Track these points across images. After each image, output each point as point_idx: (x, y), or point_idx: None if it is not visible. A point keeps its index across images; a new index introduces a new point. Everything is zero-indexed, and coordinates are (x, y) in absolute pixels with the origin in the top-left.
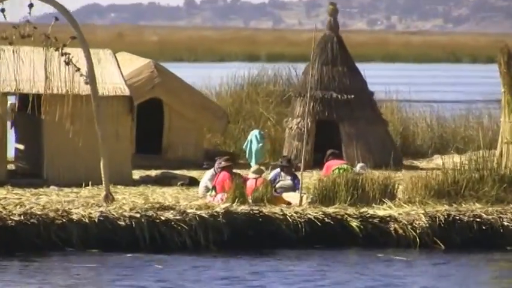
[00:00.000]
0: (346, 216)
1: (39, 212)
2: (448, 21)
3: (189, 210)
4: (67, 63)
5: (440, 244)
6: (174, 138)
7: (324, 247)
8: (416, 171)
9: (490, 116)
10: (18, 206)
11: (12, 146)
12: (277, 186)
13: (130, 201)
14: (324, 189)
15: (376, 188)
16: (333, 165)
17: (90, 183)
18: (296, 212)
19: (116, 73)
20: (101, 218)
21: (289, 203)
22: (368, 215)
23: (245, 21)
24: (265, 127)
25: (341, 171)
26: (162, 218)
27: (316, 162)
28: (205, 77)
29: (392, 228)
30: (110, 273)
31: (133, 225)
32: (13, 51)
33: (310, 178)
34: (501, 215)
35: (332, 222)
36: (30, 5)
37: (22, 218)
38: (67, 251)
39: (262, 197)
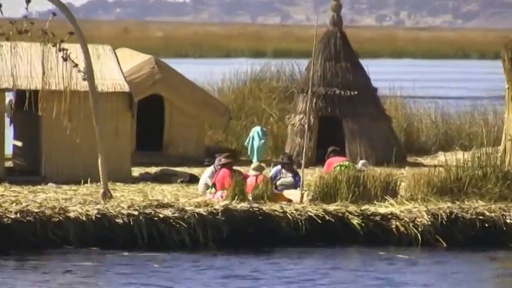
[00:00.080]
0: (347, 213)
1: (35, 210)
2: (457, 17)
3: (187, 208)
4: (65, 59)
5: (442, 242)
6: (175, 135)
7: (324, 245)
8: (420, 168)
9: (495, 112)
10: (14, 204)
11: (10, 142)
12: (278, 183)
13: (128, 198)
14: (325, 186)
15: (377, 185)
16: (334, 162)
17: (89, 180)
18: (296, 210)
19: (116, 69)
20: (98, 216)
21: (290, 201)
22: (369, 213)
23: (252, 17)
24: (268, 123)
25: (342, 168)
26: (161, 216)
27: (319, 159)
28: (207, 73)
29: (394, 226)
30: (108, 271)
31: (131, 223)
32: (10, 47)
33: (312, 175)
34: (504, 213)
35: (333, 220)
36: (28, 0)
37: (18, 215)
38: (64, 249)
39: (262, 195)
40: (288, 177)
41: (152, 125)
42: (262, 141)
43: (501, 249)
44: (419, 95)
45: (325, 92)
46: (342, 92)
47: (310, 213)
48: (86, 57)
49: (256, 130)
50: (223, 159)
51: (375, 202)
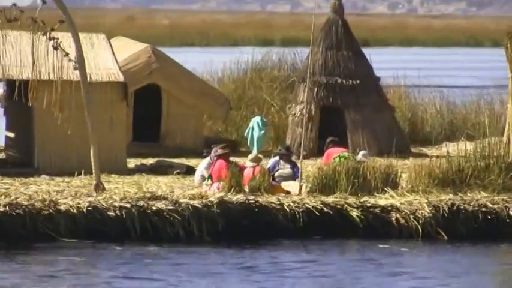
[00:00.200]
0: (345, 205)
1: (25, 203)
2: (471, 4)
3: (182, 200)
4: (55, 48)
5: (444, 235)
6: (172, 125)
7: (322, 238)
8: (424, 159)
9: (502, 101)
10: (3, 196)
11: (3, 133)
12: (276, 174)
13: (122, 190)
14: (324, 177)
15: (377, 176)
16: (334, 153)
17: (82, 172)
18: (294, 202)
19: (110, 58)
20: (90, 209)
21: (288, 192)
22: (369, 205)
23: (262, 4)
24: (269, 113)
25: (342, 159)
26: (154, 208)
27: (320, 150)
28: (207, 62)
29: (394, 218)
30: (99, 265)
31: (124, 215)
32: (1, 36)
33: (312, 166)
34: (507, 204)
35: (331, 212)
36: None
37: (7, 208)
38: (54, 243)
39: (259, 186)
40: (286, 169)
41: (149, 115)
42: (262, 131)
43: (504, 242)
44: (424, 84)
45: (327, 81)
46: (344, 81)
47: (307, 205)
48: (76, 46)
49: (256, 120)
50: (219, 150)
51: (375, 194)
